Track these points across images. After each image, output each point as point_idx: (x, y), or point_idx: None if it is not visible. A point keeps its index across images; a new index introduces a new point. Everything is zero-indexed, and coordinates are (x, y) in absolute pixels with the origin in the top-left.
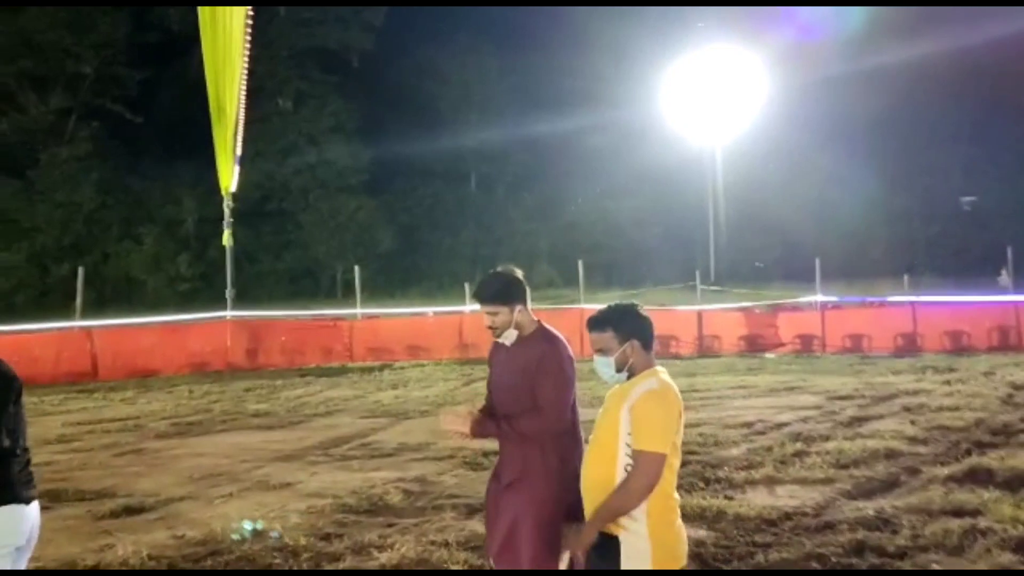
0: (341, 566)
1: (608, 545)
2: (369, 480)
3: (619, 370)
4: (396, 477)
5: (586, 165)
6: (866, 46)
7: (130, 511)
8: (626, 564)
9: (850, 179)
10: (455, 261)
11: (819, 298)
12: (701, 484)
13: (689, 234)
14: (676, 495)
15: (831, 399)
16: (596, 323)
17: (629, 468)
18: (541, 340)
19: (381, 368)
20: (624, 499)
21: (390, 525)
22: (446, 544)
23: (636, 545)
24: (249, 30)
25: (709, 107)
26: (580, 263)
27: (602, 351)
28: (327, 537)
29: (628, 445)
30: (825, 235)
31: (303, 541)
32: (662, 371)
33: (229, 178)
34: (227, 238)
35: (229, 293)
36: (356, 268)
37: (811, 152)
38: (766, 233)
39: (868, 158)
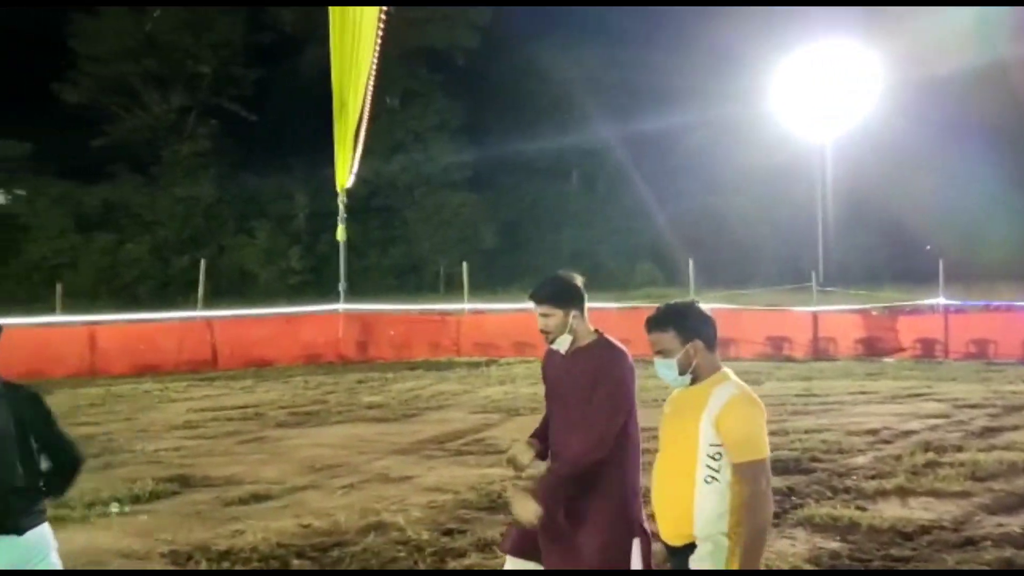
0: (466, 563)
1: (687, 551)
2: (486, 476)
3: (682, 372)
4: (513, 475)
5: (690, 161)
6: (985, 42)
7: (257, 498)
8: (700, 564)
9: (968, 177)
10: (556, 258)
11: (941, 301)
12: (829, 493)
13: (796, 233)
14: None
15: (959, 407)
16: (656, 323)
17: (709, 479)
18: (600, 349)
19: (488, 363)
20: (761, 519)
21: (511, 523)
22: None
23: (716, 544)
24: (380, 30)
25: (819, 102)
26: (691, 262)
27: (663, 352)
28: (450, 533)
29: (710, 456)
30: (941, 235)
31: (426, 536)
32: (731, 373)
33: (346, 175)
34: (341, 233)
35: (342, 287)
36: (464, 264)
37: (926, 149)
38: (877, 232)
39: (987, 156)
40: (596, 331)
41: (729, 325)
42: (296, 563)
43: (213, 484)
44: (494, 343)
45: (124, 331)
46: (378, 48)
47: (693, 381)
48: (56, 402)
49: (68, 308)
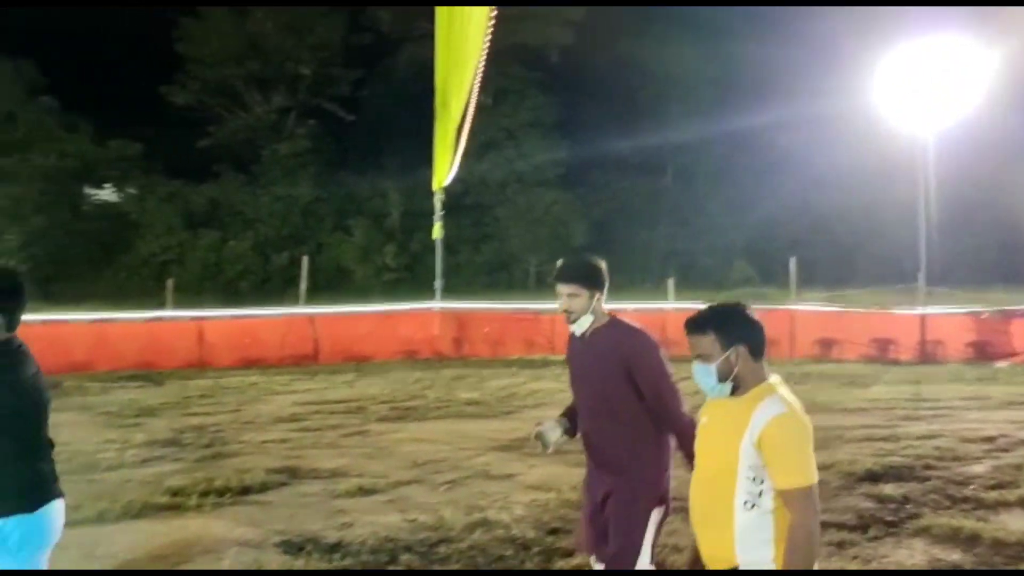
0: (573, 563)
1: None
2: None
3: (722, 380)
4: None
5: (788, 158)
6: None
7: (363, 491)
8: None
9: None
10: (649, 256)
11: None
12: (947, 502)
13: (898, 232)
14: None
15: None
16: (696, 325)
17: (749, 505)
18: (616, 329)
19: None
20: (806, 554)
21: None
22: (678, 549)
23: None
24: (489, 31)
25: (924, 98)
26: (792, 261)
27: (702, 357)
28: (555, 532)
29: (750, 480)
30: None
31: (532, 534)
32: (778, 384)
33: (445, 173)
34: (437, 231)
35: (438, 284)
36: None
37: None
38: (984, 232)
39: None
40: (609, 314)
41: (832, 326)
42: (404, 558)
43: (320, 476)
44: None
45: (230, 325)
46: (486, 49)
47: (734, 391)
48: (168, 393)
49: (176, 303)
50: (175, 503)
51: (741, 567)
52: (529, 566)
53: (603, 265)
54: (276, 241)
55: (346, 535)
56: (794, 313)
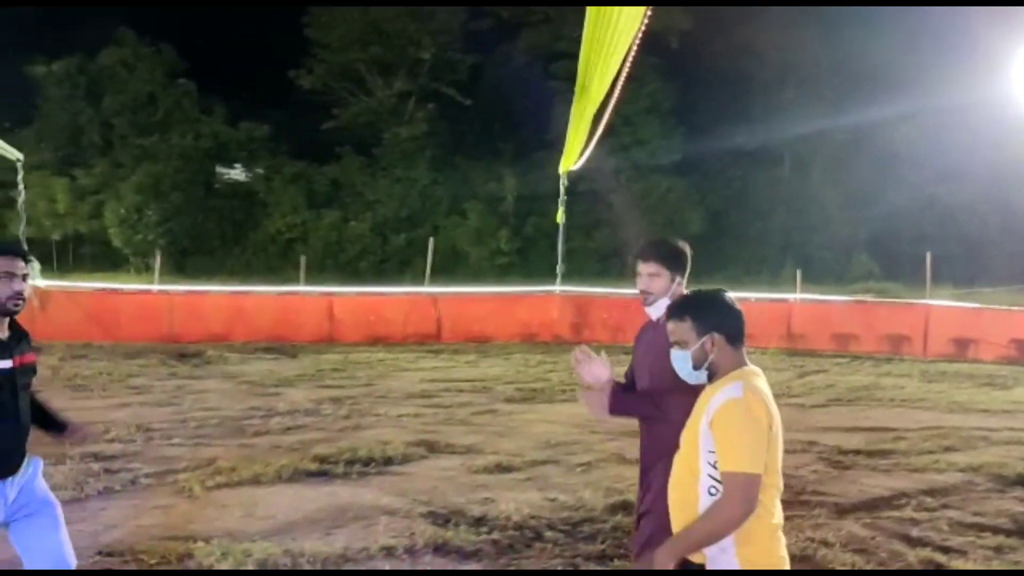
0: None
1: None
2: None
3: (697, 367)
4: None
5: (914, 148)
6: None
7: (500, 468)
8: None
9: None
10: (765, 246)
11: None
12: None
13: None
14: (780, 522)
15: None
16: (674, 311)
17: (713, 490)
18: None
19: None
20: (711, 528)
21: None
22: (826, 543)
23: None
24: (646, 20)
25: None
26: (928, 256)
27: (679, 343)
28: None
29: (711, 464)
30: None
31: None
32: (753, 372)
33: (575, 158)
34: (560, 215)
35: (559, 268)
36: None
37: None
38: None
39: None
40: None
41: (969, 325)
42: (549, 535)
43: (456, 452)
44: None
45: (357, 302)
46: (639, 39)
47: (712, 378)
48: (303, 365)
49: (299, 280)
50: (323, 470)
51: (707, 553)
52: None
53: (688, 249)
54: (394, 223)
55: (490, 510)
56: (929, 309)
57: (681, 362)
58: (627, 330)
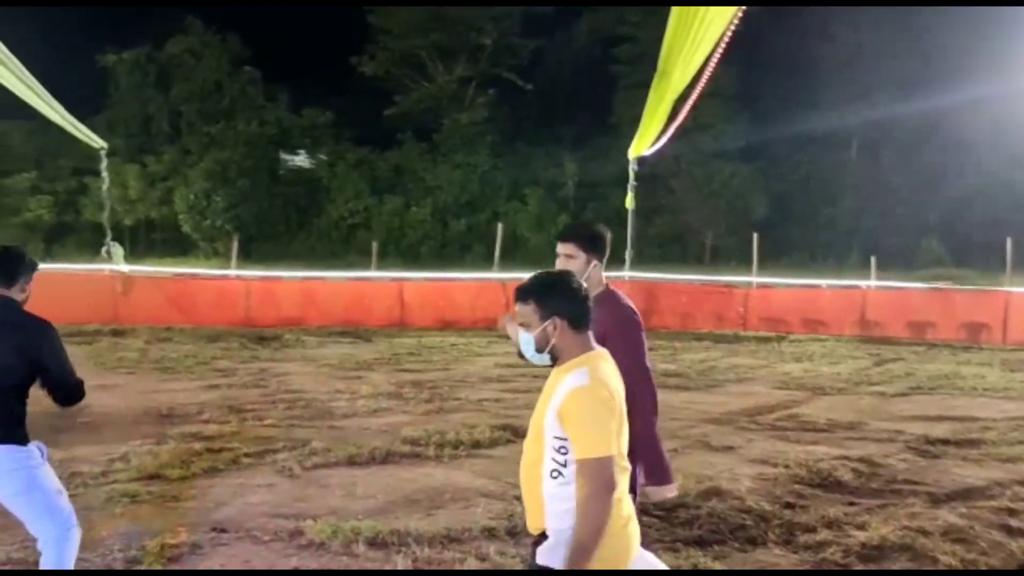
0: (817, 538)
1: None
2: (811, 453)
3: (539, 350)
4: (839, 454)
5: (988, 132)
6: None
7: None
8: (542, 557)
9: None
10: (831, 231)
11: None
12: None
13: None
14: (626, 498)
15: None
16: (519, 293)
17: (555, 474)
18: (610, 298)
19: (778, 339)
20: (591, 523)
21: (851, 504)
22: (924, 532)
23: (557, 541)
24: (736, 20)
25: None
26: (1008, 242)
27: (524, 326)
28: (791, 506)
29: (555, 449)
30: None
31: (767, 507)
32: (598, 356)
33: (648, 143)
34: (630, 201)
35: (628, 254)
36: (755, 237)
37: None
38: None
39: None
40: (606, 283)
41: None
42: (645, 519)
43: None
44: (783, 319)
45: (425, 288)
46: (729, 32)
47: (556, 361)
48: (378, 349)
49: (363, 265)
50: (415, 452)
51: (549, 535)
52: (772, 537)
53: (607, 233)
54: (454, 208)
55: None
56: (1009, 296)
57: (525, 344)
58: (696, 317)
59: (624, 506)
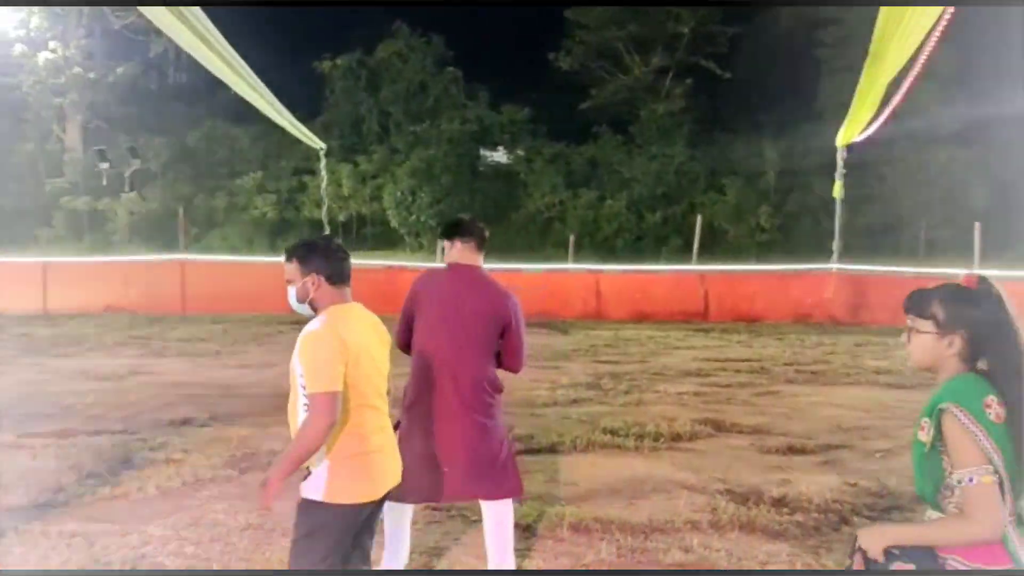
0: None
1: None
2: None
3: (300, 301)
4: None
5: None
6: None
7: (793, 450)
8: (304, 494)
9: None
10: None
11: None
12: None
13: None
14: (374, 432)
15: None
16: (286, 253)
17: (305, 407)
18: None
19: None
20: (304, 443)
21: None
22: None
23: (315, 479)
24: (944, 23)
25: None
26: None
27: (288, 281)
28: None
29: (302, 387)
30: None
31: None
32: (344, 308)
33: (857, 129)
34: (838, 189)
35: (835, 246)
36: (976, 227)
37: None
38: None
39: None
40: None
41: None
42: (855, 520)
43: (743, 431)
44: None
45: (622, 280)
46: (944, 20)
47: (316, 312)
48: (574, 341)
49: (558, 258)
50: (615, 443)
51: (309, 468)
52: None
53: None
54: (649, 200)
55: (788, 491)
56: None
57: (291, 297)
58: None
59: (372, 441)
